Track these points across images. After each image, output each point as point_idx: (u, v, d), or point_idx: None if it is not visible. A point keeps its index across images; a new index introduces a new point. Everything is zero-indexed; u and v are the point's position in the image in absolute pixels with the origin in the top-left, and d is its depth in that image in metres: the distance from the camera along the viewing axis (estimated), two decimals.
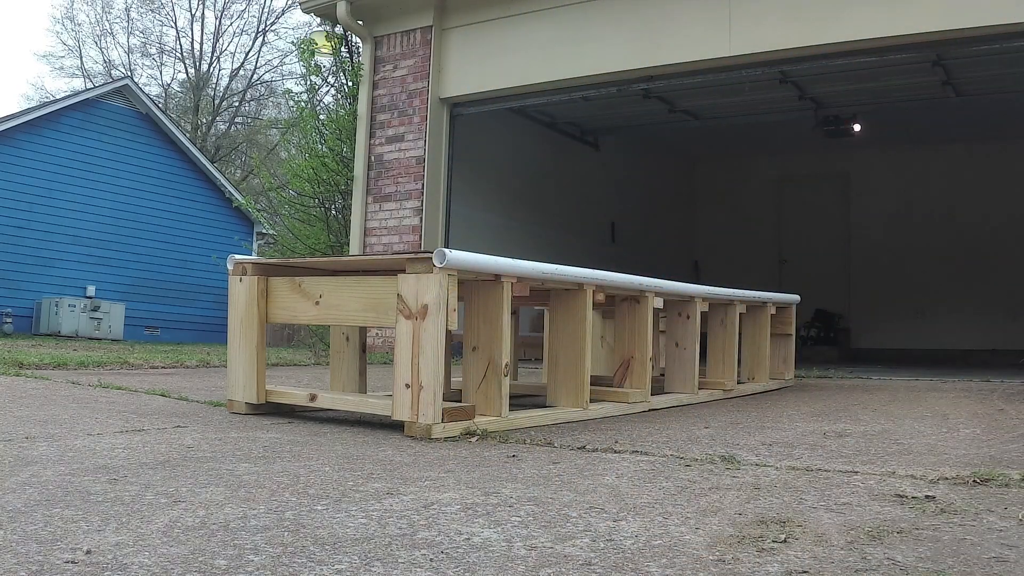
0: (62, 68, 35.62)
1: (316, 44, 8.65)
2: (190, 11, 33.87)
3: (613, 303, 3.72)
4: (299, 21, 27.92)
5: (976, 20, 5.61)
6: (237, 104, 29.13)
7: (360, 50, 8.55)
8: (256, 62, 28.88)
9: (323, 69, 8.79)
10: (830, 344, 11.01)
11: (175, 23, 34.96)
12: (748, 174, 12.04)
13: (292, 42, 24.35)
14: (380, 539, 1.37)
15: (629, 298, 3.67)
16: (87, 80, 27.44)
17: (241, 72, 28.91)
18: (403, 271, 2.66)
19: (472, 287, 2.89)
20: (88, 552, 1.25)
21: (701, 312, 4.08)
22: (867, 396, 4.43)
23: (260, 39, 28.72)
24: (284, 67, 28.36)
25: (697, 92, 8.38)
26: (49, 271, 15.16)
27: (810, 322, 11.12)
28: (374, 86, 8.23)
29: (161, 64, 29.45)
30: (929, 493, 1.81)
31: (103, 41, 32.89)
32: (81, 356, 6.14)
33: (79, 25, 36.21)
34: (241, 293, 3.09)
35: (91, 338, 14.05)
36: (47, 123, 15.32)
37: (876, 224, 11.37)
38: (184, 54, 28.63)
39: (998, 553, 1.34)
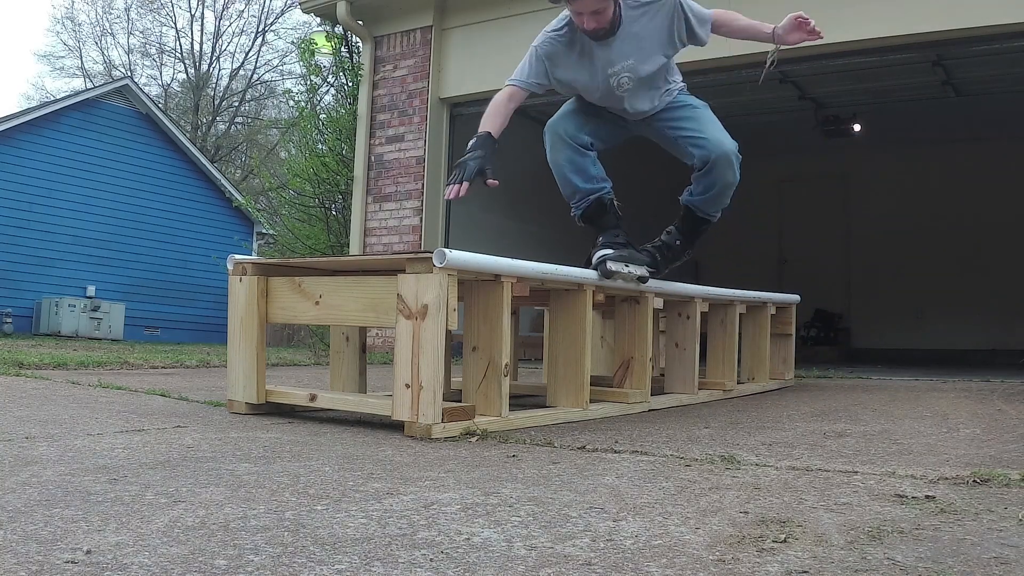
0: (62, 68, 35.61)
1: (316, 44, 8.65)
2: (190, 11, 33.91)
3: (613, 303, 3.72)
4: (299, 21, 27.94)
5: (976, 20, 5.61)
6: (237, 104, 29.14)
7: (360, 50, 8.55)
8: (256, 62, 28.91)
9: (323, 69, 8.79)
10: (830, 344, 11.01)
11: (175, 23, 35.00)
12: (748, 174, 11.91)
13: (292, 42, 24.40)
14: (380, 539, 1.37)
15: (629, 298, 3.67)
16: (87, 80, 27.47)
17: (241, 72, 28.94)
18: (403, 271, 2.66)
19: (472, 287, 2.89)
20: (88, 552, 1.25)
21: (701, 312, 4.08)
22: (867, 396, 4.43)
23: (260, 39, 28.75)
24: (284, 67, 28.39)
25: (697, 92, 8.37)
26: (49, 271, 15.16)
27: (810, 322, 11.11)
28: (374, 86, 8.23)
29: (161, 64, 29.47)
30: (929, 493, 1.81)
31: (103, 41, 32.95)
32: (81, 356, 6.14)
33: (79, 25, 36.23)
34: (241, 293, 3.09)
35: (91, 338, 14.06)
36: (47, 123, 15.33)
37: (876, 224, 11.37)
38: (184, 54, 28.65)
39: (998, 553, 1.34)
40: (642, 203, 11.52)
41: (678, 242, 3.72)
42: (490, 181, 3.02)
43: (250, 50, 29.10)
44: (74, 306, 14.75)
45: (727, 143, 3.61)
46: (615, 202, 3.62)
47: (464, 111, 8.04)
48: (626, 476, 2.01)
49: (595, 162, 3.56)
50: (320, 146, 8.64)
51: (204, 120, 28.09)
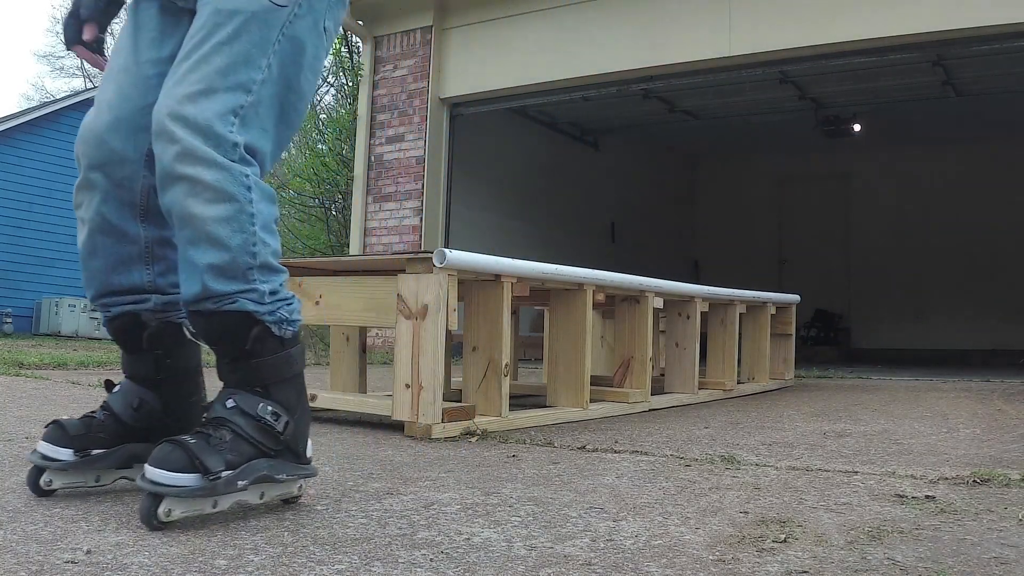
0: (62, 68, 35.56)
1: None
2: None
3: (613, 303, 3.72)
4: None
5: (976, 20, 5.61)
6: None
7: (360, 50, 8.55)
8: None
9: (323, 69, 8.81)
10: (830, 344, 11.01)
11: None
12: (748, 174, 12.04)
13: None
14: (380, 539, 1.37)
15: (629, 298, 3.67)
16: (87, 80, 27.45)
17: None
18: (403, 271, 2.66)
19: (472, 287, 2.89)
20: (88, 552, 1.25)
21: (701, 312, 4.08)
22: (867, 396, 4.44)
23: None
24: None
25: (697, 92, 8.39)
26: (49, 271, 15.16)
27: (810, 322, 11.12)
28: (374, 86, 8.23)
29: None
30: (929, 493, 1.81)
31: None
32: (81, 356, 6.14)
33: None
34: None
35: (91, 338, 14.05)
36: (47, 123, 15.32)
37: (876, 224, 11.38)
38: None
39: (998, 553, 1.34)
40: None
41: (230, 402, 1.49)
42: (86, 27, 1.77)
43: None
44: (74, 306, 14.75)
45: (171, 104, 1.50)
46: (188, 328, 1.65)
47: (464, 111, 8.05)
48: (626, 476, 2.01)
49: (147, 250, 1.76)
50: (320, 146, 8.65)
51: None
